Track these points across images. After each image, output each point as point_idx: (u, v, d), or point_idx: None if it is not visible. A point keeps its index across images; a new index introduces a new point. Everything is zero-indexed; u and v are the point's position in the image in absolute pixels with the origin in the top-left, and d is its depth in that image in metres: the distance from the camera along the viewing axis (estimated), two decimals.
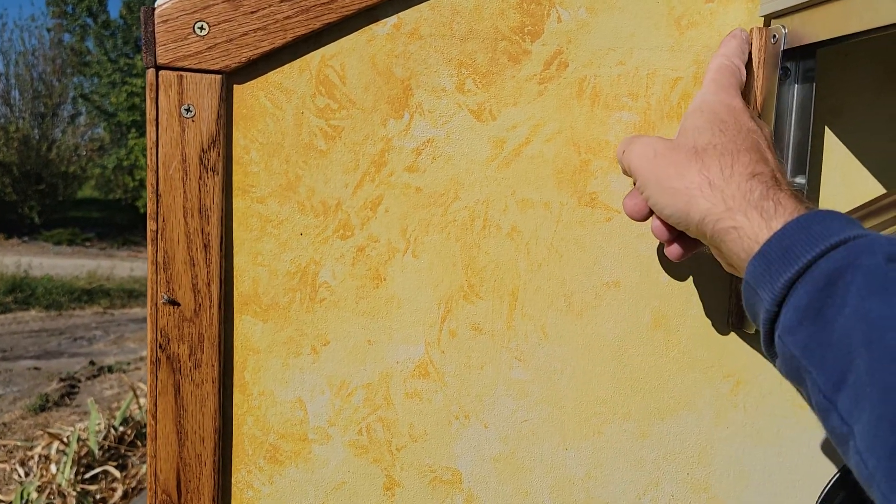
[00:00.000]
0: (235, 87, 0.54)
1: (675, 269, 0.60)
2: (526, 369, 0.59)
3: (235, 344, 0.56)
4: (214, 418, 0.55)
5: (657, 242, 0.60)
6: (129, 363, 5.72)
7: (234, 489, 0.57)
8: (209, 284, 0.54)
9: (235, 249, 0.55)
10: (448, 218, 0.57)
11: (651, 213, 0.53)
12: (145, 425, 3.95)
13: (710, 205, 0.47)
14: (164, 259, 0.53)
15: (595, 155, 0.58)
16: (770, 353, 0.45)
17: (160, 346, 0.54)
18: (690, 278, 0.60)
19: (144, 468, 3.54)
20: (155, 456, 0.54)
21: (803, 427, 0.62)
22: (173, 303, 0.53)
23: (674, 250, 0.54)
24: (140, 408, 4.10)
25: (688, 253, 0.54)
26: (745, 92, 0.58)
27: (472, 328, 0.59)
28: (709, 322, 0.61)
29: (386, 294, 0.57)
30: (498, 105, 0.57)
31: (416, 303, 0.58)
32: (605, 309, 0.60)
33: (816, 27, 0.53)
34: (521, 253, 0.58)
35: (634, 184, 0.54)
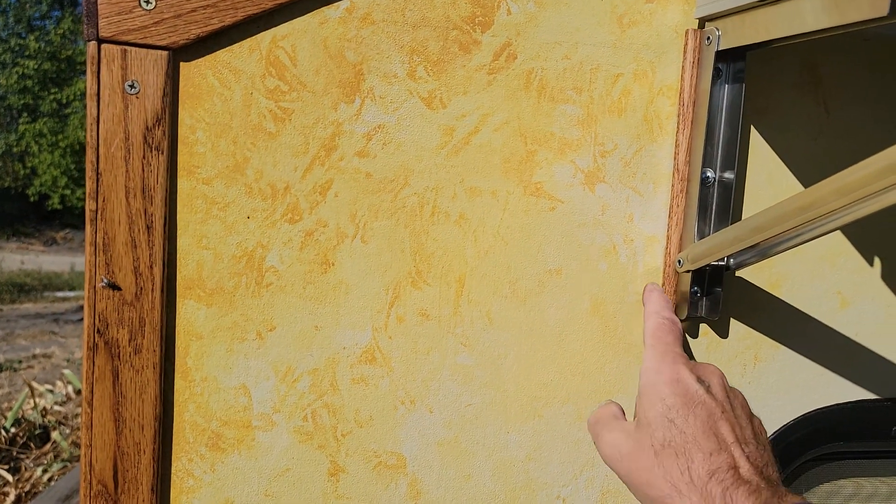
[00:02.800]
0: (182, 64, 0.52)
1: (612, 260, 0.63)
2: (471, 354, 0.61)
3: (178, 329, 0.54)
4: (155, 405, 0.53)
5: (598, 231, 0.62)
6: (20, 361, 5.39)
7: (173, 478, 0.55)
8: (151, 267, 0.52)
9: (179, 232, 0.54)
10: (397, 204, 0.58)
11: None
12: (40, 426, 3.73)
13: None
14: (103, 240, 0.51)
15: (541, 146, 0.60)
16: None
17: (98, 331, 0.51)
18: (626, 268, 0.63)
19: (39, 471, 3.35)
20: (90, 445, 0.52)
21: None
22: (113, 286, 0.51)
23: None
24: (34, 407, 3.87)
25: None
26: (680, 91, 0.62)
27: (419, 314, 0.59)
28: (643, 308, 0.63)
29: (334, 279, 0.57)
30: (448, 93, 0.57)
31: (364, 288, 0.58)
32: (548, 295, 0.62)
33: (747, 31, 0.56)
34: (468, 240, 0.59)
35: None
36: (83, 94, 14.43)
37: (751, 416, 0.55)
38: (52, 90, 14.61)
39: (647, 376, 0.55)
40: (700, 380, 0.54)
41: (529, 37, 0.58)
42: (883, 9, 0.45)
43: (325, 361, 0.58)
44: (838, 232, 0.68)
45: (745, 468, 0.50)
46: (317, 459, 0.58)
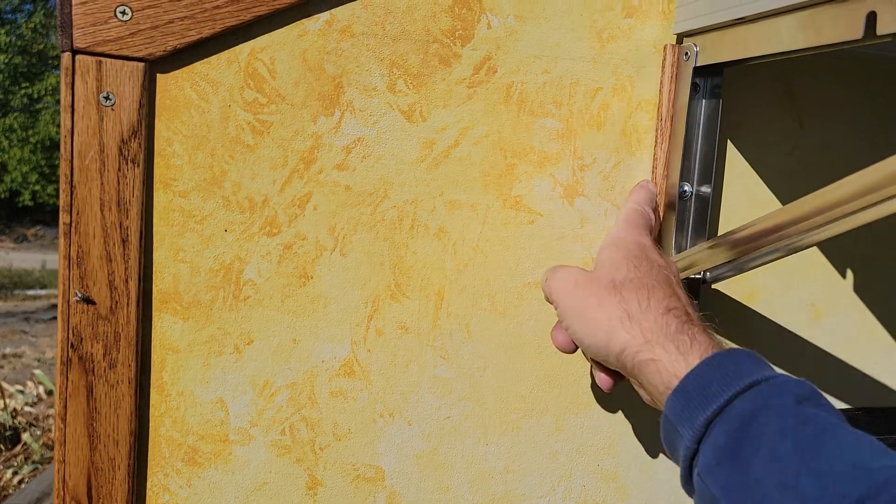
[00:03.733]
0: (159, 76, 0.52)
1: None
2: (450, 367, 0.60)
3: (154, 343, 0.54)
4: (130, 420, 0.53)
5: (577, 245, 0.62)
6: None
7: (149, 493, 0.55)
8: (127, 281, 0.51)
9: (155, 245, 0.53)
10: (377, 217, 0.57)
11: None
12: (10, 427, 3.67)
13: (630, 336, 0.49)
14: (77, 254, 0.50)
15: (520, 159, 0.60)
16: (688, 489, 0.46)
17: (72, 346, 0.51)
18: None
19: (9, 473, 3.29)
20: (63, 461, 0.51)
21: None
22: (87, 300, 0.50)
23: (603, 381, 0.57)
24: (4, 409, 3.80)
25: (617, 382, 0.57)
26: (658, 105, 0.62)
27: (398, 327, 0.59)
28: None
29: (313, 292, 0.57)
30: (428, 107, 0.57)
31: (343, 301, 0.57)
32: (527, 308, 0.62)
33: (725, 48, 0.57)
34: (447, 253, 0.59)
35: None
36: (55, 90, 14.18)
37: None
38: (23, 85, 14.34)
39: (613, 234, 0.56)
40: (663, 255, 0.56)
41: (509, 51, 0.58)
42: (858, 32, 0.45)
43: (303, 375, 0.57)
44: None
45: (696, 319, 0.51)
46: (294, 473, 0.58)
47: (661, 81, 0.62)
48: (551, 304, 0.56)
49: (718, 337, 0.50)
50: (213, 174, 0.54)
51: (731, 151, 0.65)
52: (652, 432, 0.65)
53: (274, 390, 0.57)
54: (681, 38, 0.61)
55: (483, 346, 0.61)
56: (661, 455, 0.66)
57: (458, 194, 0.59)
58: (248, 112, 0.54)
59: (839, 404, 0.71)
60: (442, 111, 0.58)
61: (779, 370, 0.68)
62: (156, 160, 0.52)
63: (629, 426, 0.65)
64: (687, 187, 0.62)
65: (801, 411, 0.42)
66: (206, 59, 0.52)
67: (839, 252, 0.69)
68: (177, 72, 0.52)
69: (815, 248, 0.69)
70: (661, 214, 0.63)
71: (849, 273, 0.70)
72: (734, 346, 0.49)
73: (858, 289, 0.70)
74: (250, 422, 0.56)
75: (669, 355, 0.47)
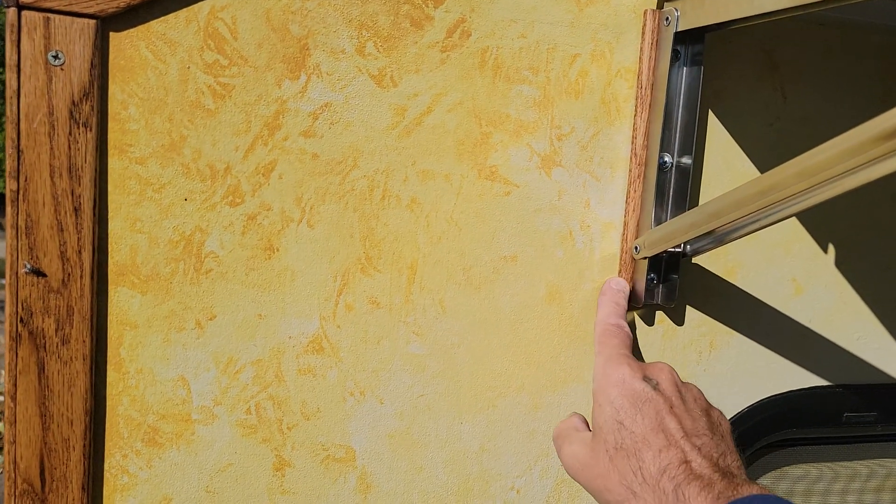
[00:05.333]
0: (112, 34, 0.49)
1: (568, 246, 0.61)
2: (423, 344, 0.58)
3: (110, 318, 0.51)
4: (85, 399, 0.50)
5: (554, 217, 0.60)
6: None
7: (106, 475, 0.52)
8: (80, 252, 0.49)
9: (111, 214, 0.50)
10: (346, 187, 0.55)
11: None
12: None
13: None
14: (26, 223, 0.47)
15: (496, 128, 0.58)
16: None
17: (21, 321, 0.48)
18: (582, 254, 0.61)
19: None
20: (14, 441, 0.49)
21: None
22: (38, 272, 0.48)
23: None
24: None
25: None
26: (638, 73, 0.60)
27: (369, 302, 0.57)
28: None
29: (279, 265, 0.54)
30: (399, 71, 0.55)
31: (311, 275, 0.55)
32: (503, 283, 0.60)
33: (706, 11, 0.55)
34: (420, 225, 0.57)
35: None
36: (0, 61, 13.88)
37: (707, 409, 0.55)
38: None
39: (596, 382, 0.55)
40: (647, 378, 0.54)
41: (484, 13, 0.56)
42: None
43: (269, 351, 0.55)
44: (793, 219, 0.67)
45: (696, 462, 0.49)
46: (261, 454, 0.56)
47: (641, 48, 0.60)
48: None
49: (725, 478, 0.48)
50: (172, 140, 0.51)
51: (713, 122, 0.63)
52: None
53: (238, 367, 0.54)
54: (661, 2, 0.59)
55: (457, 322, 0.59)
56: None
57: (432, 164, 0.57)
58: (209, 74, 0.51)
59: (819, 380, 0.70)
60: (414, 76, 0.55)
61: (760, 347, 0.67)
62: (110, 124, 0.49)
63: None
64: (667, 158, 0.60)
65: None
66: (162, 18, 0.49)
67: (819, 228, 0.68)
68: (131, 30, 0.49)
69: (795, 224, 0.68)
70: (642, 187, 0.61)
71: (829, 248, 0.69)
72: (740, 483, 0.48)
73: (839, 263, 0.69)
74: (214, 400, 0.54)
75: None
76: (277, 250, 0.54)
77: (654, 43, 0.59)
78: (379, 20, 0.54)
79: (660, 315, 0.64)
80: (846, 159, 0.43)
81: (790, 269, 0.68)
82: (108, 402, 0.52)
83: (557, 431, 0.59)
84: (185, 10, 0.50)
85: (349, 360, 0.57)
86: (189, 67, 0.50)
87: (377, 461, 0.58)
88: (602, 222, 0.62)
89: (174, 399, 0.53)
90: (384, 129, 0.55)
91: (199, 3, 0.50)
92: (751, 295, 0.67)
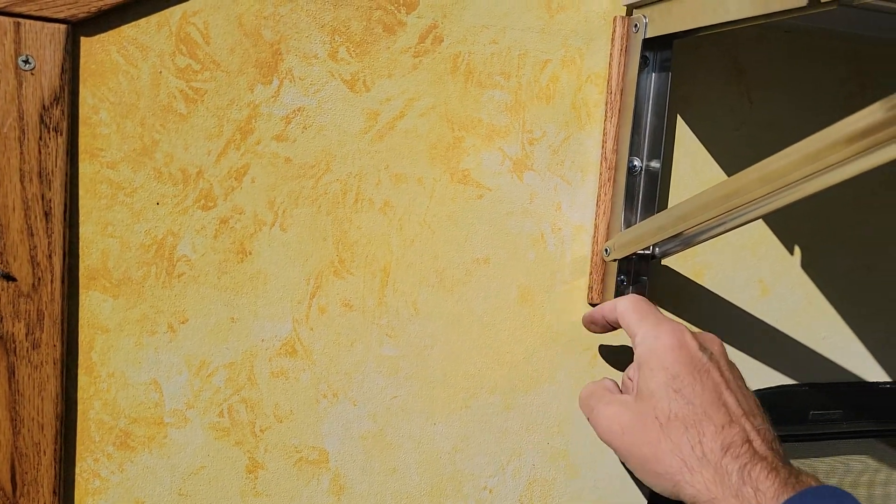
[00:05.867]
0: (83, 39, 0.49)
1: (540, 249, 0.62)
2: (396, 345, 0.59)
3: (81, 322, 0.51)
4: (56, 403, 0.50)
5: (526, 220, 0.61)
6: None
7: (78, 479, 0.52)
8: (50, 256, 0.49)
9: (82, 219, 0.50)
10: (319, 191, 0.55)
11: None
12: None
13: (696, 491, 0.46)
14: None
15: (468, 132, 0.59)
16: None
17: None
18: (554, 257, 0.62)
19: None
20: None
21: None
22: (7, 277, 0.48)
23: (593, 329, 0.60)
24: None
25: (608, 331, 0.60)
26: (608, 79, 0.61)
27: (342, 304, 0.57)
28: (571, 299, 0.63)
29: (251, 269, 0.55)
30: (372, 76, 0.55)
31: (284, 278, 0.55)
32: (475, 285, 0.61)
33: (673, 19, 0.56)
34: (393, 228, 0.58)
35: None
36: None
37: (749, 391, 0.52)
38: None
39: (645, 344, 0.51)
40: (703, 347, 0.51)
41: (456, 19, 0.57)
42: (802, 0, 0.45)
43: (242, 354, 0.55)
44: (760, 222, 0.69)
45: (757, 443, 0.47)
46: (234, 456, 0.56)
47: (611, 54, 0.61)
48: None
49: (787, 467, 0.46)
50: (144, 144, 0.51)
51: (681, 126, 0.64)
52: None
53: (211, 371, 0.55)
54: (630, 9, 0.60)
55: (430, 324, 0.60)
56: None
57: (404, 167, 0.57)
58: (181, 79, 0.51)
59: (786, 379, 0.71)
60: (386, 81, 0.56)
61: (728, 347, 0.68)
62: (81, 129, 0.49)
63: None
64: (637, 162, 0.61)
65: None
66: (134, 23, 0.49)
67: (786, 230, 0.70)
68: (103, 35, 0.49)
69: (762, 226, 0.69)
70: (612, 190, 0.62)
71: (795, 250, 0.71)
72: (802, 470, 0.46)
73: (805, 265, 0.70)
74: (186, 403, 0.54)
75: None
76: (250, 254, 0.54)
77: (624, 49, 0.60)
78: (351, 25, 0.54)
79: None
80: (807, 164, 0.44)
81: (757, 271, 0.69)
82: (80, 406, 0.52)
83: (588, 392, 0.56)
84: (156, 14, 0.50)
85: (322, 362, 0.57)
86: (161, 72, 0.51)
87: (350, 463, 0.59)
88: (573, 225, 0.63)
89: (146, 402, 0.53)
90: (357, 134, 0.56)
91: (171, 8, 0.50)
92: (719, 296, 0.68)
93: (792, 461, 0.48)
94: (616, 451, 0.51)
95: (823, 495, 0.43)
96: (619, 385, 0.58)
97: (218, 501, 0.56)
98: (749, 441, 0.47)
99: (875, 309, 0.74)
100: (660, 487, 0.49)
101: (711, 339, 0.53)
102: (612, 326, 0.59)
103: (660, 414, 0.48)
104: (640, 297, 0.57)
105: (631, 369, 0.56)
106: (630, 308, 0.55)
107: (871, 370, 0.75)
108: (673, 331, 0.51)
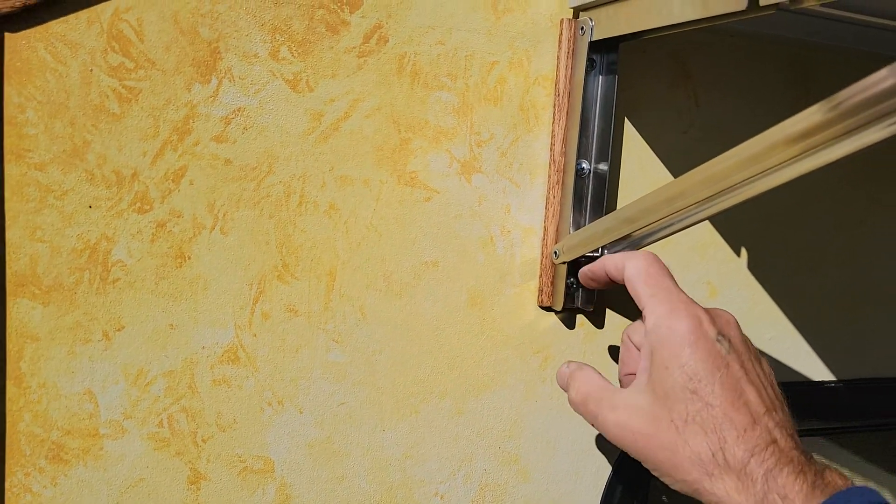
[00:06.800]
0: (7, 35, 0.47)
1: (489, 252, 0.62)
2: (343, 351, 0.58)
3: (9, 331, 0.49)
4: None
5: (475, 223, 0.61)
6: None
7: (7, 494, 0.50)
8: None
9: (8, 223, 0.48)
10: (261, 193, 0.54)
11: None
12: None
13: (717, 499, 0.43)
14: None
15: (415, 134, 0.58)
16: None
17: None
18: (503, 260, 0.62)
19: None
20: None
21: None
22: None
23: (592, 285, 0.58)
24: None
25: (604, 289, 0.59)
26: (556, 81, 0.61)
27: (286, 310, 0.56)
28: (521, 301, 0.63)
29: (190, 274, 0.53)
30: (315, 76, 0.54)
31: (225, 283, 0.54)
32: (424, 288, 0.60)
33: (620, 21, 0.56)
34: (339, 231, 0.57)
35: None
36: None
37: (761, 361, 0.49)
38: None
39: (657, 333, 0.47)
40: (721, 335, 0.47)
41: (401, 19, 0.56)
42: (742, 3, 0.45)
43: (182, 362, 0.53)
44: (707, 224, 0.69)
45: (782, 441, 0.44)
46: (175, 467, 0.54)
47: (558, 56, 0.61)
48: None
49: (809, 462, 0.44)
50: (75, 145, 0.49)
51: (628, 129, 0.64)
52: (555, 413, 0.65)
53: (149, 379, 0.53)
54: (577, 11, 0.60)
55: (378, 329, 0.59)
56: (564, 436, 0.65)
57: (350, 169, 0.56)
58: (114, 77, 0.49)
59: None
60: (330, 81, 0.55)
61: None
62: (6, 129, 0.47)
63: (532, 408, 0.64)
64: (585, 164, 0.61)
65: None
66: (62, 18, 0.48)
67: (732, 233, 0.70)
68: (29, 31, 0.47)
69: (709, 229, 0.70)
70: (560, 193, 0.62)
71: (742, 252, 0.71)
72: (828, 469, 0.43)
73: (751, 266, 0.71)
74: (123, 414, 0.52)
75: None
76: (189, 258, 0.53)
77: (571, 52, 0.60)
78: (293, 24, 0.53)
79: (580, 318, 0.65)
80: (749, 166, 0.45)
81: (705, 272, 0.70)
82: (8, 419, 0.50)
83: (583, 395, 0.51)
84: (86, 10, 0.48)
85: (266, 369, 0.56)
86: (92, 70, 0.49)
87: (297, 472, 0.57)
88: (522, 228, 0.62)
89: (80, 414, 0.51)
90: (300, 135, 0.55)
91: (102, 4, 0.48)
92: None
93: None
94: (631, 452, 0.48)
95: (849, 501, 0.40)
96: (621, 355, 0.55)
97: None
98: (774, 441, 0.43)
99: (819, 309, 0.76)
100: (682, 491, 0.46)
101: (727, 322, 0.49)
102: (614, 284, 0.55)
103: (676, 417, 0.45)
104: (652, 257, 0.52)
105: (636, 333, 0.52)
106: (641, 276, 0.50)
107: (816, 370, 0.76)
108: (689, 316, 0.47)
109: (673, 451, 0.45)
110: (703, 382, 0.45)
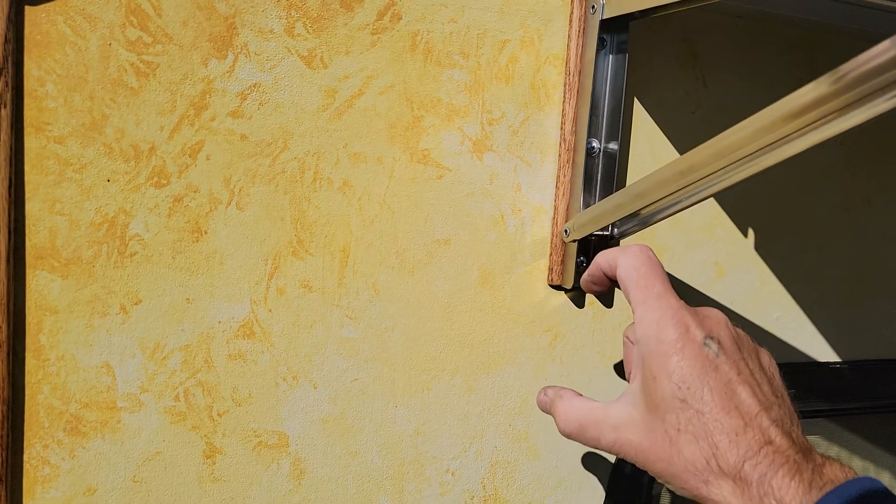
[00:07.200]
0: (28, 8, 0.47)
1: (500, 230, 0.62)
2: (357, 327, 0.58)
3: (28, 303, 0.49)
4: (2, 388, 0.48)
5: (486, 201, 0.61)
6: None
7: (26, 466, 0.50)
8: None
9: (28, 195, 0.49)
10: (276, 169, 0.55)
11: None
12: None
13: (716, 501, 0.43)
14: None
15: (427, 111, 0.58)
16: None
17: None
18: (514, 238, 0.62)
19: None
20: None
21: (612, 376, 0.67)
22: None
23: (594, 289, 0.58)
24: None
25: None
26: (566, 60, 0.61)
27: (301, 285, 0.56)
28: (531, 280, 0.63)
29: (207, 249, 0.53)
30: (330, 53, 0.55)
31: (241, 258, 0.54)
32: (436, 266, 0.60)
33: None
34: (353, 208, 0.57)
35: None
36: None
37: (758, 354, 0.49)
38: None
39: (646, 344, 0.47)
40: (709, 338, 0.46)
41: None
42: None
43: (198, 337, 0.54)
44: (715, 205, 0.70)
45: (777, 440, 0.43)
46: (191, 441, 0.54)
47: (569, 35, 0.61)
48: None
49: (807, 458, 0.43)
50: (93, 119, 0.49)
51: (638, 109, 0.65)
52: None
53: (166, 353, 0.53)
54: None
55: (391, 306, 0.59)
56: None
57: (363, 147, 0.57)
58: (132, 52, 0.50)
59: None
60: (344, 58, 0.55)
61: None
62: (26, 101, 0.48)
63: (540, 385, 0.64)
64: (595, 143, 0.62)
65: None
66: None
67: (739, 213, 0.71)
68: (48, 4, 0.47)
69: (718, 208, 0.70)
70: (571, 171, 0.62)
71: (749, 233, 0.72)
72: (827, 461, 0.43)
73: (758, 247, 0.72)
74: (140, 387, 0.53)
75: None
76: (206, 233, 0.53)
77: (581, 31, 0.61)
78: (308, 1, 0.53)
79: (589, 297, 0.66)
80: (759, 138, 0.45)
81: (713, 253, 0.70)
82: (28, 391, 0.50)
83: (577, 423, 0.50)
84: None
85: (281, 344, 0.56)
86: (110, 44, 0.49)
87: (311, 447, 0.58)
88: (533, 206, 0.63)
89: (98, 386, 0.52)
90: (315, 111, 0.55)
91: None
92: (676, 278, 0.69)
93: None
94: (635, 462, 0.48)
95: (847, 494, 0.40)
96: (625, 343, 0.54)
97: (174, 488, 0.54)
98: (769, 442, 0.43)
99: (826, 290, 0.76)
100: (684, 495, 0.46)
101: (717, 322, 0.48)
102: (615, 283, 0.54)
103: (668, 427, 0.45)
104: (644, 255, 0.51)
105: (633, 333, 0.51)
106: (632, 276, 0.50)
107: (821, 350, 0.77)
108: (676, 325, 0.46)
109: (669, 462, 0.45)
110: (692, 389, 0.45)
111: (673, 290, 0.49)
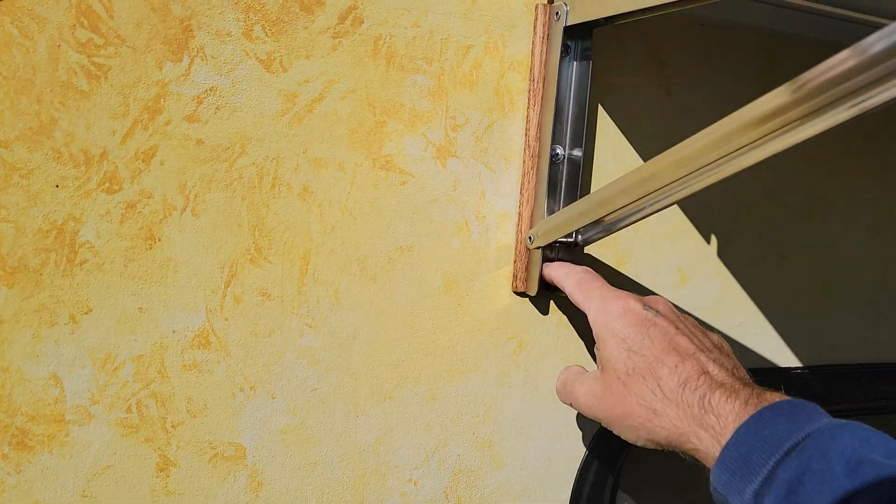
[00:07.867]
0: None
1: (464, 237, 0.61)
2: (317, 336, 0.57)
3: None
4: None
5: (450, 207, 0.60)
6: None
7: None
8: None
9: None
10: (233, 174, 0.53)
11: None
12: None
13: (667, 432, 0.49)
14: None
15: (390, 117, 0.57)
16: None
17: None
18: (478, 245, 0.62)
19: None
20: None
21: None
22: None
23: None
24: None
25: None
26: (531, 66, 0.61)
27: (259, 293, 0.55)
28: (495, 287, 0.63)
29: (161, 256, 0.52)
30: (289, 56, 0.54)
31: (196, 266, 0.53)
32: (399, 273, 0.59)
33: (594, 6, 0.57)
34: (313, 214, 0.56)
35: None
36: None
37: (706, 332, 0.55)
38: None
39: (596, 320, 0.55)
40: (647, 307, 0.54)
41: (377, 1, 0.55)
42: None
43: (151, 346, 0.52)
44: (678, 212, 0.70)
45: (714, 371, 0.49)
46: (143, 454, 0.53)
47: (533, 42, 0.61)
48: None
49: (747, 386, 0.48)
50: (41, 122, 0.48)
51: (602, 116, 0.65)
52: (528, 399, 0.65)
53: (118, 364, 0.52)
54: None
55: (352, 314, 0.58)
56: (537, 422, 0.65)
57: (324, 152, 0.56)
58: (82, 54, 0.48)
59: None
60: (304, 62, 0.54)
61: None
62: None
63: (505, 393, 0.64)
64: (559, 150, 0.61)
65: (840, 470, 0.40)
66: None
67: (702, 220, 0.71)
68: None
69: (680, 216, 0.71)
70: (535, 178, 0.62)
71: (711, 239, 0.72)
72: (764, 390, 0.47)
73: (720, 253, 0.72)
74: (90, 399, 0.51)
75: (704, 441, 0.47)
76: (159, 240, 0.52)
77: (545, 37, 0.60)
78: (267, 3, 0.52)
79: (554, 304, 0.65)
80: (719, 146, 0.45)
81: (676, 259, 0.70)
82: None
83: (562, 381, 0.59)
84: None
85: (238, 354, 0.55)
86: (60, 46, 0.47)
87: (269, 458, 0.57)
88: (497, 213, 0.62)
89: (46, 399, 0.50)
90: (273, 116, 0.54)
91: None
92: (640, 284, 0.69)
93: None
94: (600, 422, 0.55)
95: (782, 409, 0.44)
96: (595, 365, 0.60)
97: (126, 502, 0.53)
98: (706, 372, 0.49)
99: (787, 296, 0.77)
100: (641, 440, 0.51)
101: (656, 300, 0.56)
102: None
103: (621, 374, 0.52)
104: (583, 271, 0.59)
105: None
106: (576, 289, 0.58)
107: (784, 356, 0.78)
108: (618, 299, 0.54)
109: (623, 402, 0.51)
110: (634, 341, 0.52)
111: (613, 288, 0.56)
